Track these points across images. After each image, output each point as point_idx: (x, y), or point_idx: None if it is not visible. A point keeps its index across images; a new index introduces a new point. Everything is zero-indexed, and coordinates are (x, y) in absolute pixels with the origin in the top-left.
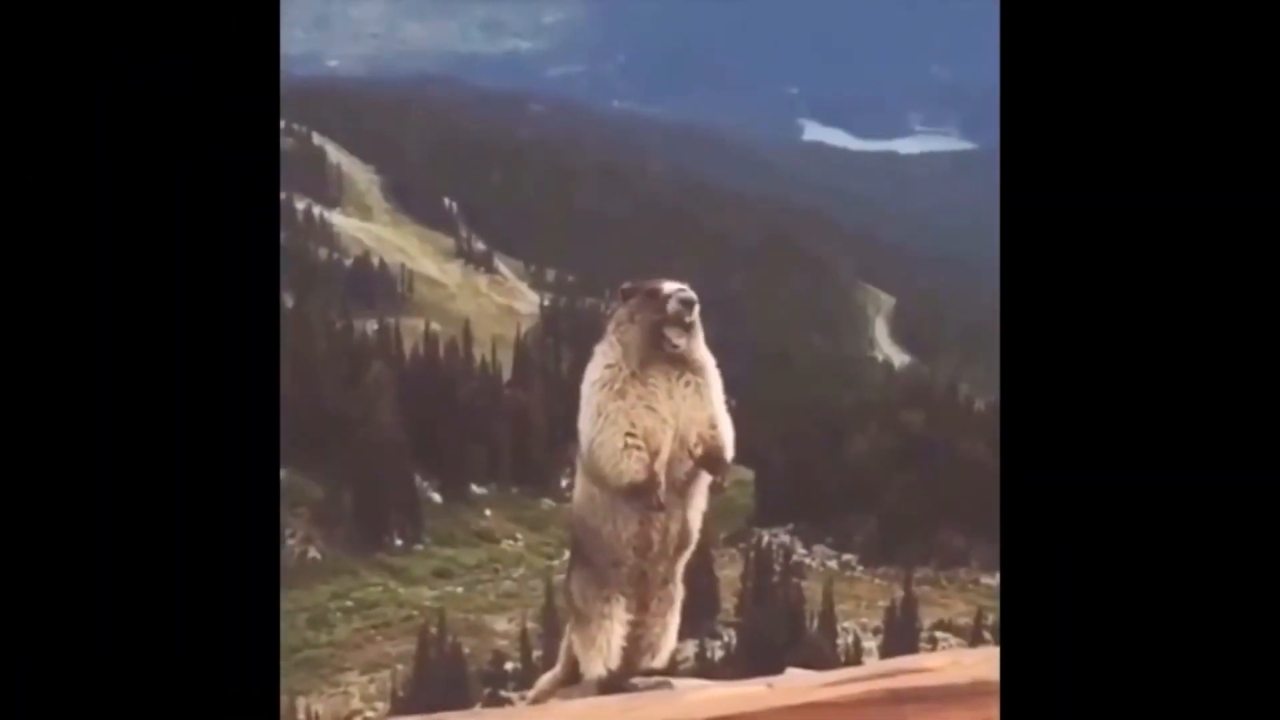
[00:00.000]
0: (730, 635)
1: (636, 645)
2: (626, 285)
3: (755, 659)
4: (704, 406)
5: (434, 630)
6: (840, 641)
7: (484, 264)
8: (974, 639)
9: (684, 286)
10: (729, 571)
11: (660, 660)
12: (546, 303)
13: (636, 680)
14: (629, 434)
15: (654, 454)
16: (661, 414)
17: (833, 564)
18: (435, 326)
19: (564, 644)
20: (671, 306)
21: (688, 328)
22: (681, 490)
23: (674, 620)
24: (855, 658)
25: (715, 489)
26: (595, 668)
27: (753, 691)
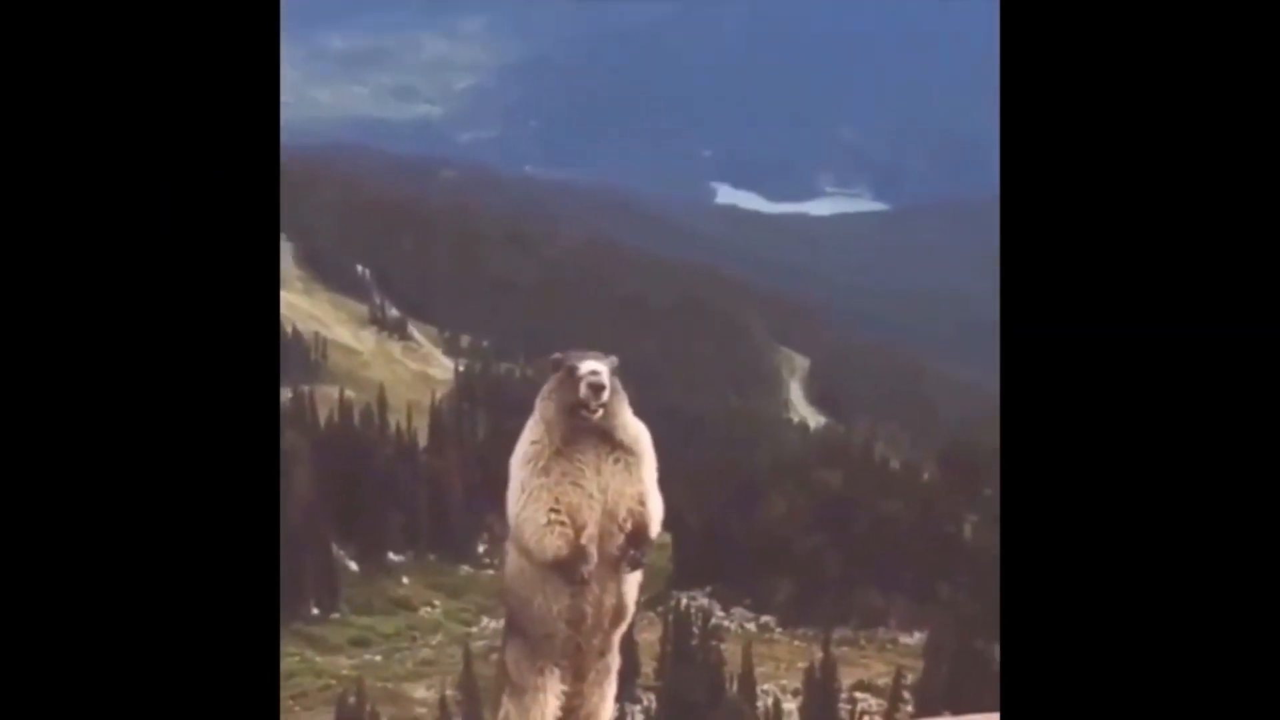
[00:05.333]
0: (650, 699)
1: (575, 715)
2: (556, 356)
3: None
4: (633, 482)
5: (352, 700)
6: (760, 704)
7: (398, 330)
8: (893, 700)
9: (599, 369)
10: (648, 635)
11: None
12: (461, 368)
13: None
14: (553, 510)
15: (579, 529)
16: (588, 490)
17: (751, 626)
18: (350, 394)
19: (501, 713)
20: (582, 391)
21: (598, 410)
22: (615, 565)
23: (611, 689)
24: None
25: (632, 562)
26: None
27: None
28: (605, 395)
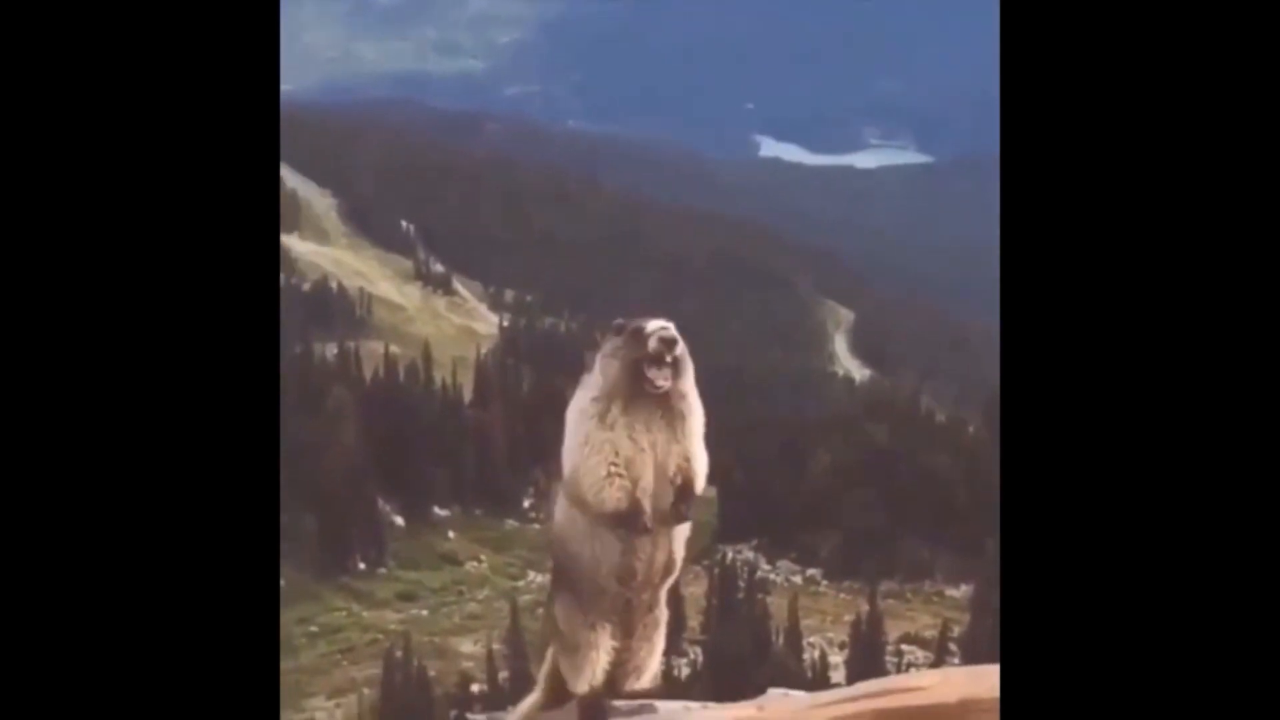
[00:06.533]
0: (696, 653)
1: (623, 667)
2: (619, 321)
3: (722, 676)
4: (679, 439)
5: (399, 654)
6: (806, 657)
7: (443, 286)
8: (939, 652)
9: (668, 325)
10: (694, 589)
11: (645, 681)
12: (506, 323)
13: (619, 704)
14: (613, 463)
15: (635, 482)
16: (641, 444)
17: (797, 579)
18: (395, 349)
19: (545, 668)
20: (652, 345)
21: (669, 365)
22: (665, 519)
23: (659, 642)
24: (822, 673)
25: (677, 517)
26: (579, 687)
27: (743, 715)
28: (680, 349)
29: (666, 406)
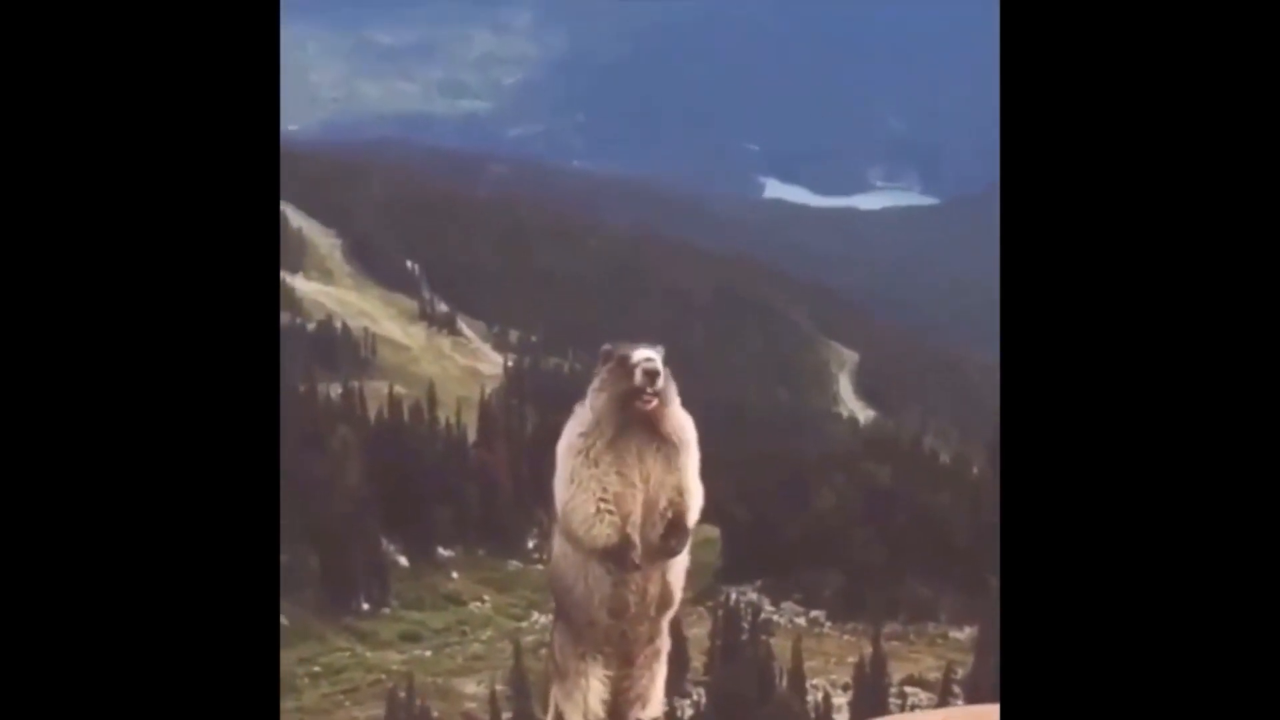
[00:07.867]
0: (700, 694)
1: (625, 696)
2: (606, 347)
3: (725, 718)
4: (672, 472)
5: (402, 694)
6: (810, 699)
7: (447, 326)
8: (943, 694)
9: (652, 356)
10: (697, 630)
11: (651, 710)
12: (510, 363)
13: None
14: (601, 499)
15: (625, 517)
16: (631, 479)
17: (801, 620)
18: (400, 389)
19: (552, 695)
20: (637, 378)
21: (654, 397)
22: (654, 554)
23: (661, 670)
24: (825, 715)
25: (667, 552)
26: None
27: None
28: (661, 381)
29: (659, 438)
